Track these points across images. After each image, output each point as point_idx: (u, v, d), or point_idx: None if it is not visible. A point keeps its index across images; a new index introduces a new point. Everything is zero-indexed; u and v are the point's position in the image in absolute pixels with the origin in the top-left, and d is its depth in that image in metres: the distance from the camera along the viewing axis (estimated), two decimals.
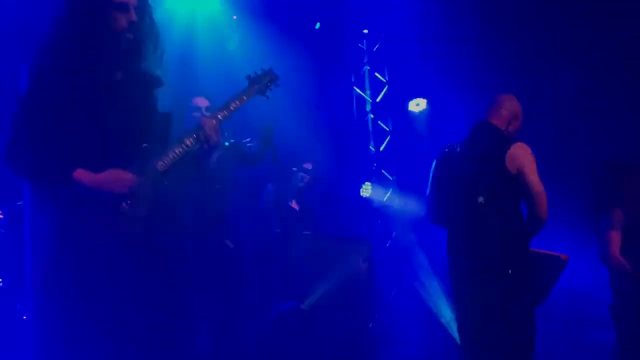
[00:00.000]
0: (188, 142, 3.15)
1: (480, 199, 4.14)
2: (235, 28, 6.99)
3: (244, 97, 3.30)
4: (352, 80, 8.20)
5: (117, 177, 2.97)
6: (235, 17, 7.31)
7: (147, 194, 3.09)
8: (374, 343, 6.56)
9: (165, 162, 3.10)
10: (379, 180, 8.00)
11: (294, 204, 6.55)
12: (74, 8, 3.06)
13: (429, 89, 7.99)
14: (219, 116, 3.25)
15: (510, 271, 4.08)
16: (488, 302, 4.06)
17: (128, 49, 3.05)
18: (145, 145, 3.10)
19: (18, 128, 3.04)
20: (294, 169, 6.47)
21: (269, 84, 3.45)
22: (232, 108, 3.30)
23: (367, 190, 7.76)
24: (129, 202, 3.06)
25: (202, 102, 5.21)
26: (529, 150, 4.21)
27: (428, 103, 8.00)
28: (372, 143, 8.13)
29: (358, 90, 8.13)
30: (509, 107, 4.36)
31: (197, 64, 6.79)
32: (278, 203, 6.33)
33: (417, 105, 8.02)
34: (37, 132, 3.00)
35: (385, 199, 7.79)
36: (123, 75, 3.08)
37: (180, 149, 3.11)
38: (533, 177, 4.10)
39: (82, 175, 2.90)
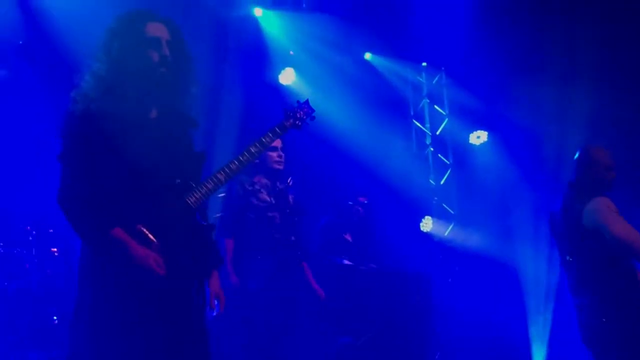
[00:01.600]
0: (220, 176, 3.03)
1: (568, 258, 4.12)
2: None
3: (278, 131, 3.19)
4: (412, 113, 7.79)
5: (148, 257, 2.88)
6: (291, 52, 7.15)
7: (176, 227, 2.98)
8: None
9: (197, 196, 2.97)
10: (439, 215, 7.68)
11: (348, 237, 6.14)
12: (110, 43, 2.96)
13: (489, 121, 7.57)
14: (254, 148, 3.13)
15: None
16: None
17: (161, 84, 2.90)
18: (178, 180, 2.96)
19: (65, 171, 2.95)
20: (350, 202, 6.21)
21: (305, 118, 3.34)
22: (264, 141, 3.17)
23: (427, 224, 7.45)
24: (157, 233, 2.94)
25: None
26: (606, 203, 4.02)
27: (489, 135, 7.47)
28: (432, 176, 7.82)
29: (417, 124, 7.71)
30: (590, 160, 4.21)
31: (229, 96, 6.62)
32: (333, 236, 6.03)
33: (478, 137, 7.68)
34: (78, 177, 2.91)
35: (446, 233, 7.45)
36: (158, 113, 2.97)
37: (212, 184, 2.99)
38: (613, 227, 3.94)
39: (119, 235, 2.83)
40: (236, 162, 3.11)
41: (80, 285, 3.04)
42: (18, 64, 5.98)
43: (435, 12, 7.12)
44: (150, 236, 2.90)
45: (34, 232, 5.36)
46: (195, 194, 2.98)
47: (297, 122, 3.33)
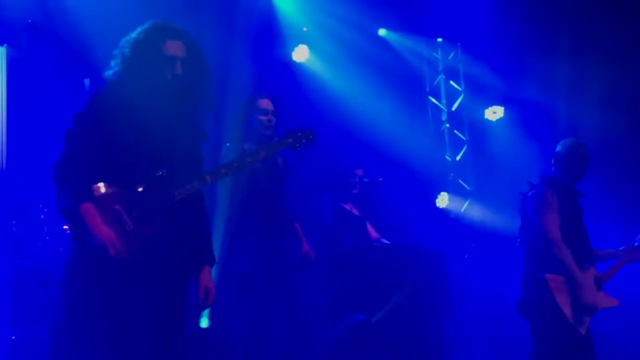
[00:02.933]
0: (207, 179, 3.18)
1: (518, 240, 4.56)
2: None
3: (273, 148, 3.44)
4: (427, 90, 7.72)
5: (105, 236, 2.95)
6: (305, 29, 6.94)
7: (156, 217, 3.08)
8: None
9: (182, 193, 3.12)
10: (455, 191, 7.48)
11: (352, 209, 5.90)
12: (129, 52, 3.14)
13: (506, 96, 7.36)
14: (248, 159, 3.32)
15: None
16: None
17: (171, 99, 3.08)
18: (161, 172, 3.11)
19: (66, 145, 3.07)
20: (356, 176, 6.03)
21: (304, 141, 3.48)
22: (261, 154, 3.38)
23: (443, 200, 7.26)
24: (135, 219, 2.99)
25: (266, 104, 4.76)
26: (545, 194, 4.43)
27: (505, 111, 7.27)
28: (448, 153, 7.63)
29: (433, 100, 7.65)
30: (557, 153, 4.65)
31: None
32: (339, 213, 5.78)
33: (494, 113, 7.48)
34: (77, 153, 3.05)
35: (462, 209, 7.29)
36: (164, 119, 3.11)
37: (197, 182, 3.14)
38: (541, 218, 4.40)
39: (87, 209, 2.93)
40: (226, 169, 3.23)
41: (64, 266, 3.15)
42: (29, 42, 5.84)
43: None
44: (127, 219, 2.91)
45: (45, 210, 5.28)
46: (181, 189, 3.07)
47: (296, 143, 3.43)
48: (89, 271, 3.00)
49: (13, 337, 5.03)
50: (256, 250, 4.64)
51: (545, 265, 4.55)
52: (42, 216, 5.32)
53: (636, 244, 4.88)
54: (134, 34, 3.25)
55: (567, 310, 4.53)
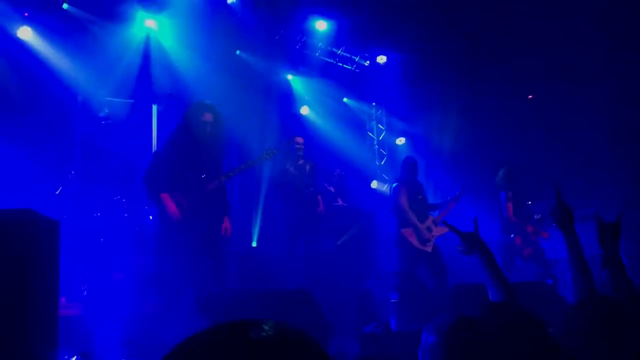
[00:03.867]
0: (222, 178, 4.85)
1: None
2: None
3: (250, 164, 5.06)
4: (367, 128, 10.03)
5: (173, 209, 4.45)
6: (306, 97, 8.94)
7: (202, 198, 4.55)
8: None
9: (212, 185, 4.68)
10: (380, 179, 9.55)
11: (332, 188, 7.70)
12: (188, 115, 4.81)
13: (405, 133, 9.85)
14: (230, 174, 4.87)
15: None
16: None
17: (207, 135, 4.77)
18: (203, 175, 4.69)
19: (152, 164, 4.72)
20: (335, 171, 7.81)
21: (269, 155, 5.15)
22: (242, 168, 5.01)
23: (374, 184, 9.44)
24: (191, 199, 4.40)
25: (299, 139, 6.62)
26: (400, 187, 6.27)
27: (406, 140, 9.79)
28: (377, 161, 9.85)
29: (370, 134, 9.99)
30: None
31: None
32: (326, 191, 7.42)
33: (400, 141, 9.89)
34: (159, 170, 4.59)
35: (383, 189, 9.32)
36: (203, 150, 4.74)
37: (220, 180, 4.78)
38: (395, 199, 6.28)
39: (165, 198, 4.50)
40: (235, 171, 4.84)
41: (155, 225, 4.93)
42: (167, 103, 7.51)
43: (380, 78, 9.37)
44: (185, 202, 4.44)
45: (123, 200, 6.10)
46: (212, 184, 4.62)
47: (263, 158, 4.97)
48: (170, 227, 4.43)
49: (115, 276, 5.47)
50: (297, 207, 6.50)
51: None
52: (124, 200, 6.03)
53: (455, 194, 6.68)
54: (189, 107, 4.73)
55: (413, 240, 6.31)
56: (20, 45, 6.68)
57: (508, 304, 2.27)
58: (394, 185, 6.64)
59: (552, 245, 6.69)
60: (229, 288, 4.51)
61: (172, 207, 4.52)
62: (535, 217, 6.79)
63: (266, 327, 0.94)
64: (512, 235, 6.86)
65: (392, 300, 4.74)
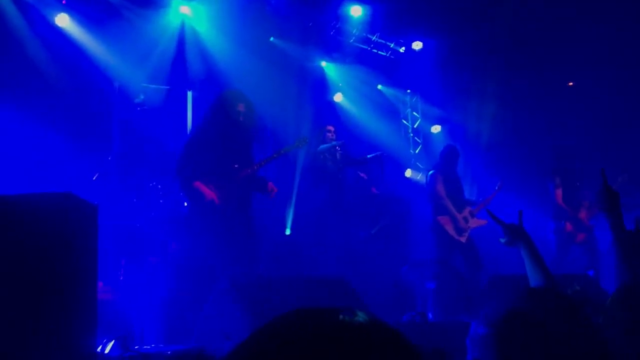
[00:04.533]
0: (255, 167, 4.90)
1: None
2: None
3: (282, 152, 5.09)
4: (401, 116, 9.92)
5: (210, 194, 4.52)
6: (340, 84, 8.99)
7: (233, 187, 4.62)
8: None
9: (244, 175, 4.73)
10: (414, 168, 9.53)
11: (364, 175, 7.60)
12: (221, 102, 4.83)
13: (442, 120, 9.77)
14: (262, 163, 4.89)
15: None
16: None
17: (239, 124, 4.82)
18: (236, 165, 4.78)
19: (183, 153, 4.73)
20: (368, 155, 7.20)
21: (301, 143, 5.30)
22: (274, 156, 5.03)
23: (409, 172, 9.42)
24: (224, 187, 4.44)
25: (331, 127, 6.77)
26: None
27: (442, 128, 9.75)
28: (412, 149, 9.80)
29: (405, 122, 9.97)
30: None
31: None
32: (358, 177, 7.49)
33: (436, 129, 9.86)
34: (191, 160, 4.62)
35: (418, 178, 9.23)
36: (237, 138, 4.79)
37: (253, 169, 4.87)
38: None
39: (199, 186, 4.59)
40: (267, 160, 4.84)
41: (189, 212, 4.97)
42: (201, 89, 7.39)
43: (416, 64, 9.37)
44: (213, 188, 4.49)
45: (159, 186, 6.06)
46: (244, 172, 4.69)
47: (298, 145, 5.11)
48: (205, 213, 4.49)
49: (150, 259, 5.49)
50: (331, 195, 6.56)
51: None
52: (159, 186, 6.01)
53: (494, 189, 6.73)
54: (223, 93, 4.75)
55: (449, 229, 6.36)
56: (58, 33, 6.75)
57: (549, 290, 2.14)
58: (430, 172, 6.65)
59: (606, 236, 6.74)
60: (265, 274, 4.55)
61: (207, 192, 4.54)
62: (585, 203, 6.70)
63: (358, 313, 0.90)
64: (562, 222, 6.76)
65: (429, 288, 4.63)
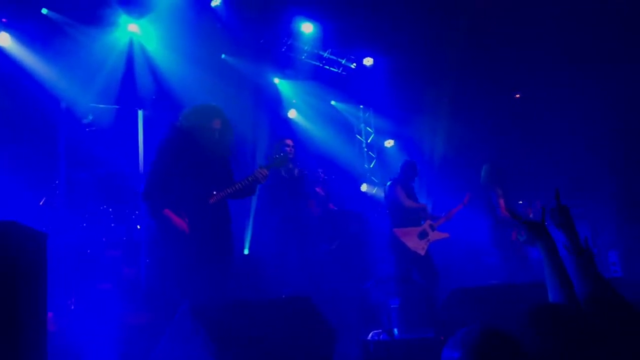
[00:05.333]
0: (228, 191, 4.38)
1: None
2: None
3: (270, 166, 4.65)
4: (355, 131, 10.10)
5: (181, 223, 4.13)
6: (294, 101, 8.91)
7: (204, 212, 4.19)
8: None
9: (215, 197, 4.30)
10: (369, 182, 9.62)
11: (320, 190, 7.37)
12: (192, 115, 4.40)
13: (395, 134, 9.88)
14: (239, 185, 4.38)
15: None
16: None
17: (215, 142, 4.39)
18: (212, 187, 4.31)
19: (150, 177, 4.31)
20: (319, 171, 7.47)
21: (282, 161, 4.93)
22: (252, 178, 4.42)
23: (364, 187, 9.50)
24: (193, 213, 4.07)
25: (290, 141, 6.43)
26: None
27: (395, 142, 9.88)
28: (366, 164, 9.92)
29: (359, 137, 10.10)
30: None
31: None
32: (315, 192, 7.21)
33: (389, 143, 9.96)
34: (159, 185, 4.20)
35: (373, 191, 9.40)
36: (209, 156, 4.36)
37: (224, 193, 4.36)
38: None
39: (169, 214, 4.18)
40: (239, 185, 4.31)
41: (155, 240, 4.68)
42: (152, 107, 7.02)
43: (368, 80, 9.42)
44: (184, 215, 4.14)
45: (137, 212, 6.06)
46: (217, 196, 4.24)
47: (279, 162, 4.68)
48: (174, 240, 4.13)
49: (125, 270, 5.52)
50: (290, 212, 6.33)
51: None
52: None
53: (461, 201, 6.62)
54: (194, 108, 4.32)
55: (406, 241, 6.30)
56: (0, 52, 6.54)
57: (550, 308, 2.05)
58: (389, 183, 6.58)
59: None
60: (227, 298, 4.31)
61: (177, 221, 4.22)
62: (530, 215, 6.55)
63: None
64: (508, 230, 6.77)
65: (392, 306, 4.56)
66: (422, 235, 6.42)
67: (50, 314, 4.06)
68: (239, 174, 4.63)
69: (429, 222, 6.53)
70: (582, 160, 8.40)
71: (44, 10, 6.75)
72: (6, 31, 6.60)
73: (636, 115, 7.67)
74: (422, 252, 6.31)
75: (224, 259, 4.38)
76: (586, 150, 8.36)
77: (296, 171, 6.53)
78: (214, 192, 4.28)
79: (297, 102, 9.29)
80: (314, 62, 9.05)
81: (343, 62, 9.36)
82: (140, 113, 6.92)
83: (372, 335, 4.30)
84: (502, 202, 6.79)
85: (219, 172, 4.44)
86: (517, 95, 9.42)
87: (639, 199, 7.42)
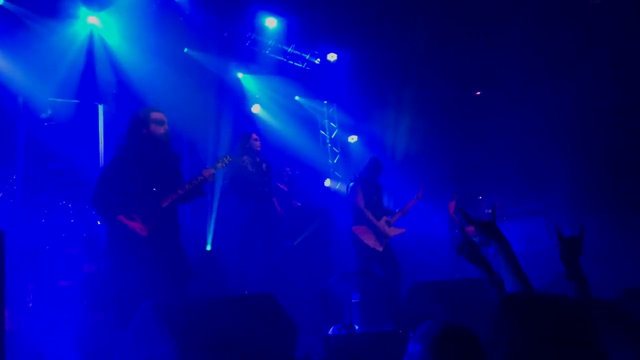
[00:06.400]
0: (180, 192, 4.42)
1: None
2: None
3: (216, 166, 4.66)
4: (319, 126, 10.11)
5: (135, 226, 4.15)
6: (257, 96, 8.90)
7: (156, 215, 4.19)
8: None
9: (168, 200, 4.33)
10: (333, 177, 9.75)
11: (283, 187, 7.58)
12: (130, 123, 4.43)
13: (358, 130, 10.01)
14: (187, 186, 4.41)
15: None
16: None
17: (162, 145, 4.41)
18: (154, 189, 4.28)
19: (99, 185, 4.32)
20: (286, 169, 7.76)
21: (224, 162, 4.79)
22: (198, 179, 4.48)
23: (328, 182, 9.61)
24: (145, 217, 4.06)
25: (256, 136, 6.50)
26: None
27: (358, 137, 9.97)
28: (330, 159, 10.01)
29: (323, 132, 10.15)
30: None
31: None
32: (279, 189, 7.32)
33: (352, 139, 10.07)
34: (109, 191, 4.25)
35: (336, 187, 9.52)
36: (159, 159, 4.39)
37: (176, 195, 4.39)
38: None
39: (122, 219, 4.22)
40: (188, 186, 4.36)
41: (106, 247, 4.46)
42: (114, 104, 7.08)
43: (331, 76, 9.41)
44: (137, 219, 4.14)
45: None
46: (166, 199, 4.30)
47: (224, 162, 4.58)
48: (130, 240, 4.13)
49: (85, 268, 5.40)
50: (256, 208, 6.29)
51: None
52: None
53: (414, 195, 6.79)
54: (141, 111, 4.28)
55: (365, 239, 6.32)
56: None
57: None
58: (351, 184, 6.65)
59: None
60: (190, 296, 4.32)
61: (132, 225, 4.24)
62: (486, 211, 6.92)
63: None
64: (456, 231, 7.03)
65: (353, 301, 4.63)
66: (380, 232, 6.52)
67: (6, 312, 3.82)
68: (199, 170, 4.62)
69: (385, 218, 6.63)
70: (539, 157, 8.55)
71: (0, 1, 6.57)
72: None
73: (593, 113, 7.78)
74: (380, 249, 6.40)
75: (180, 259, 4.41)
76: (544, 147, 8.51)
77: (264, 166, 6.49)
78: (166, 195, 4.31)
79: (260, 97, 9.27)
80: (278, 57, 9.02)
81: (307, 57, 9.34)
82: (100, 107, 6.83)
83: (332, 330, 4.35)
84: (452, 204, 7.03)
85: (168, 175, 4.47)
86: (478, 93, 9.54)
87: (595, 195, 7.53)
